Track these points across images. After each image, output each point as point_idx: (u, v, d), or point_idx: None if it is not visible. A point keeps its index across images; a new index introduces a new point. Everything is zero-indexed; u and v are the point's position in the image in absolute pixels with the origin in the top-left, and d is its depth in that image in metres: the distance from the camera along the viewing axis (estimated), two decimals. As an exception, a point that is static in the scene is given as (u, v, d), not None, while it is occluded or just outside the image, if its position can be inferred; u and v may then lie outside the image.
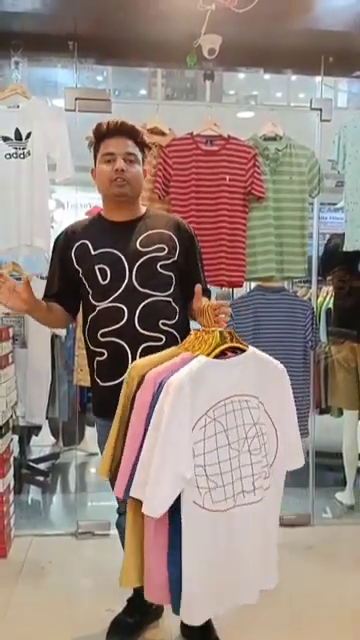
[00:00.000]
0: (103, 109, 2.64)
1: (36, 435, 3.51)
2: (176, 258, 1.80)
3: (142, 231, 1.80)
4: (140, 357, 1.68)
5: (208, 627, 1.85)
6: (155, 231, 1.81)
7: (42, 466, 3.55)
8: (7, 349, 2.53)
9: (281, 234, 2.77)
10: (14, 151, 2.62)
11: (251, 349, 1.56)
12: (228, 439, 1.49)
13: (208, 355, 1.47)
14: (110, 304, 1.74)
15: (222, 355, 1.50)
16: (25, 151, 2.62)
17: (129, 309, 1.73)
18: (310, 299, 3.06)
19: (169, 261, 1.79)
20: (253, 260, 2.74)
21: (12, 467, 2.66)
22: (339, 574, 2.39)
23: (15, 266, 2.85)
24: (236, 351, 1.53)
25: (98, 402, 1.85)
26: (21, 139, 2.62)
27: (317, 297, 3.20)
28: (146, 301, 1.73)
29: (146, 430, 1.44)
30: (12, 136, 2.62)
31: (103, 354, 1.78)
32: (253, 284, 3.02)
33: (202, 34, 2.42)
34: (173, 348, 1.60)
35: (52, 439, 3.72)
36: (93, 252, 1.78)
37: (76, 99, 2.65)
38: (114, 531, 2.60)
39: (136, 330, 1.73)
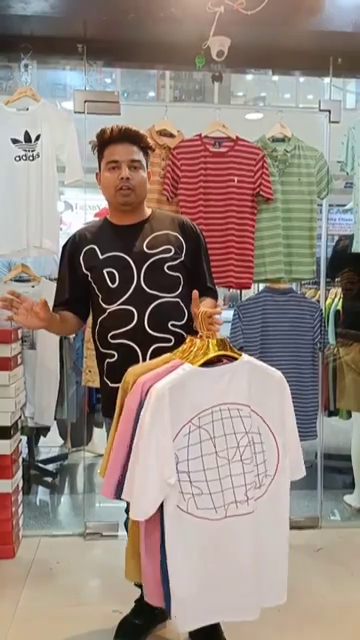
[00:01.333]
0: (112, 111, 2.65)
1: (44, 436, 3.52)
2: (183, 258, 1.82)
3: (148, 233, 1.82)
4: (150, 358, 1.71)
5: (216, 630, 1.84)
6: (161, 232, 1.82)
7: (50, 467, 3.57)
8: (16, 350, 2.54)
9: (289, 235, 2.76)
10: (23, 153, 2.63)
11: (245, 358, 1.55)
12: (215, 447, 1.50)
13: (197, 363, 1.48)
14: (120, 307, 1.76)
15: (216, 362, 1.51)
16: (34, 153, 2.63)
17: (138, 311, 1.75)
18: (318, 301, 3.05)
19: (176, 262, 1.80)
20: (261, 262, 2.74)
21: (21, 468, 2.67)
22: (347, 577, 2.38)
23: (24, 268, 2.86)
24: (230, 359, 1.53)
25: (108, 403, 1.86)
26: (30, 141, 2.63)
27: (325, 299, 3.19)
28: (155, 303, 1.75)
29: (133, 435, 1.46)
30: (21, 138, 2.63)
31: (113, 356, 1.79)
32: (261, 286, 3.02)
33: (211, 36, 2.43)
34: (169, 354, 1.61)
35: (60, 440, 3.73)
36: (101, 256, 1.79)
37: (85, 101, 2.66)
38: (122, 532, 2.63)
39: (146, 332, 1.75)
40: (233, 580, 1.53)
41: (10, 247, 2.67)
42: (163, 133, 2.70)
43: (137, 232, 1.82)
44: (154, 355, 1.70)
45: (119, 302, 1.76)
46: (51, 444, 3.73)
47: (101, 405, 1.97)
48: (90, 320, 1.95)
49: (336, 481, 3.31)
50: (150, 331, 1.75)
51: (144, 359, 1.73)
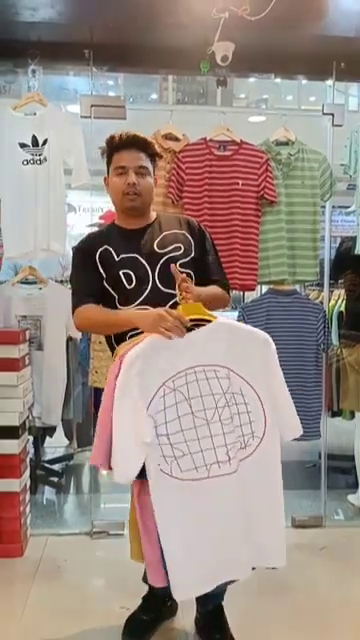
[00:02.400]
0: (118, 116, 2.69)
1: (50, 436, 3.55)
2: (192, 255, 1.86)
3: (157, 234, 1.86)
4: None
5: (223, 627, 1.87)
6: (169, 232, 1.87)
7: (56, 467, 3.60)
8: (24, 351, 2.58)
9: (293, 238, 2.79)
10: (31, 157, 2.67)
11: (220, 320, 1.60)
12: (191, 408, 1.55)
13: None
14: (138, 307, 1.79)
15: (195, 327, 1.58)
16: (42, 157, 2.67)
17: None
18: (322, 302, 3.08)
19: (187, 259, 1.84)
20: (265, 264, 2.77)
21: (28, 467, 2.70)
22: (351, 575, 2.40)
23: (31, 270, 2.90)
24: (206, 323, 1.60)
25: None
26: (38, 145, 2.67)
27: (329, 300, 3.21)
28: (172, 301, 1.77)
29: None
30: (29, 142, 2.67)
31: None
32: (265, 287, 3.05)
33: (215, 41, 2.46)
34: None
35: (65, 441, 3.77)
36: (117, 258, 1.83)
37: (92, 106, 2.69)
38: (128, 531, 2.66)
39: None
40: (222, 540, 1.58)
41: (18, 250, 2.71)
42: (168, 137, 2.74)
43: (146, 234, 1.86)
44: None
45: (137, 302, 1.79)
46: (56, 444, 3.77)
47: None
48: None
49: (339, 481, 3.34)
50: None
51: None
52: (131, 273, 1.80)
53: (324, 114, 2.85)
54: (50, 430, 3.39)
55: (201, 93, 9.12)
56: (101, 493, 3.25)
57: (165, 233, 1.86)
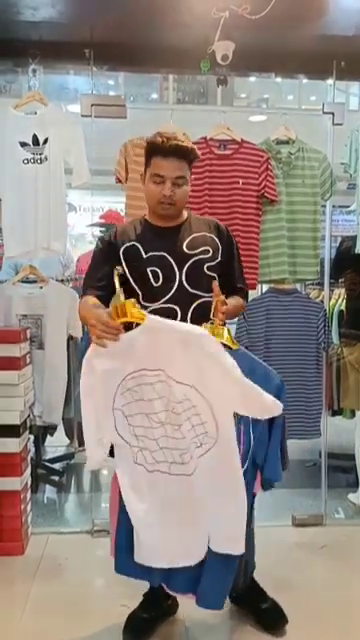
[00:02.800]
0: (119, 115, 2.69)
1: (51, 435, 3.56)
2: (219, 259, 1.87)
3: (187, 235, 1.87)
4: None
5: (264, 593, 1.98)
6: (199, 234, 1.88)
7: (57, 466, 3.60)
8: (25, 350, 2.58)
9: (294, 237, 2.80)
10: (31, 156, 2.67)
11: (150, 318, 1.64)
12: (143, 409, 1.65)
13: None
14: (163, 305, 1.79)
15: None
16: (42, 156, 2.68)
17: (182, 310, 1.79)
18: (322, 301, 3.08)
19: (214, 262, 1.85)
20: (266, 262, 2.78)
21: (29, 466, 2.71)
22: (351, 573, 2.41)
23: (32, 269, 2.90)
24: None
25: None
26: (38, 144, 2.68)
27: (329, 299, 3.22)
28: (197, 302, 1.80)
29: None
30: (30, 142, 2.67)
31: None
32: (265, 286, 3.05)
33: (216, 40, 2.47)
34: None
35: (66, 440, 3.77)
36: (145, 255, 1.83)
37: (92, 105, 2.70)
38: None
39: None
40: (179, 530, 1.69)
41: (19, 249, 2.71)
42: (169, 136, 2.73)
43: (176, 233, 1.87)
44: None
45: (162, 300, 1.79)
46: (57, 444, 3.77)
47: None
48: None
49: (340, 480, 3.34)
50: None
51: None
52: (158, 271, 1.81)
53: (324, 113, 2.85)
54: (51, 429, 3.40)
55: (202, 93, 9.13)
56: (102, 492, 3.24)
57: (195, 235, 1.87)
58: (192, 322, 1.78)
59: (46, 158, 2.68)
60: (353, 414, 3.20)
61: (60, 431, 3.56)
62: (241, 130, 2.78)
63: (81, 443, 3.65)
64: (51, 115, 2.71)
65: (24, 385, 2.51)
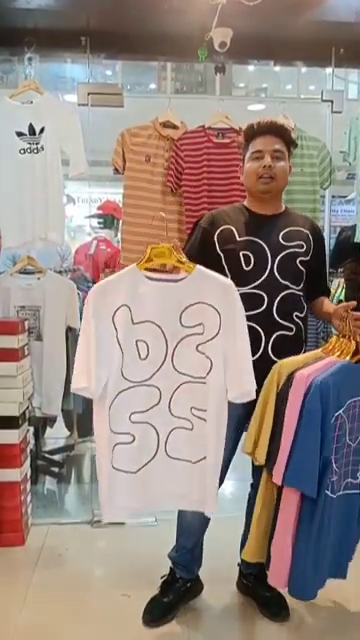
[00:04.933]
0: (116, 103, 2.67)
1: (51, 427, 3.55)
2: (310, 257, 1.89)
3: (283, 226, 1.88)
4: (273, 344, 1.82)
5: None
6: (295, 228, 1.89)
7: (57, 457, 3.60)
8: (23, 342, 2.57)
9: (293, 226, 2.78)
10: (28, 146, 2.65)
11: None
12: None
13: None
14: (251, 290, 1.81)
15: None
16: (39, 146, 2.65)
17: (269, 297, 1.81)
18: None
19: (305, 258, 1.87)
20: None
21: (29, 457, 2.71)
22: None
23: (30, 260, 2.89)
24: None
25: None
26: (35, 134, 2.65)
27: (328, 289, 3.20)
28: (285, 292, 1.82)
29: (299, 422, 1.59)
30: (26, 131, 2.64)
31: None
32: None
33: (213, 27, 2.44)
34: (316, 351, 1.76)
35: (65, 431, 3.77)
36: (239, 238, 1.85)
37: (89, 94, 2.67)
38: (129, 520, 2.68)
39: (273, 318, 1.82)
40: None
41: (16, 240, 2.69)
42: (167, 125, 2.72)
43: (273, 223, 1.88)
44: (277, 341, 1.81)
45: (251, 286, 1.81)
46: (57, 435, 3.77)
47: None
48: None
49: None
50: (277, 318, 1.82)
51: (267, 343, 1.81)
52: (250, 256, 1.82)
53: (323, 101, 2.84)
54: (50, 421, 3.40)
55: (200, 82, 9.07)
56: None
57: (291, 228, 1.89)
58: (277, 311, 1.81)
59: (43, 148, 2.65)
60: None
61: (60, 423, 3.56)
62: (240, 119, 2.76)
63: (81, 434, 3.66)
64: (47, 104, 2.68)
65: (22, 377, 2.51)
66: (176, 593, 2.00)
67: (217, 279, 1.62)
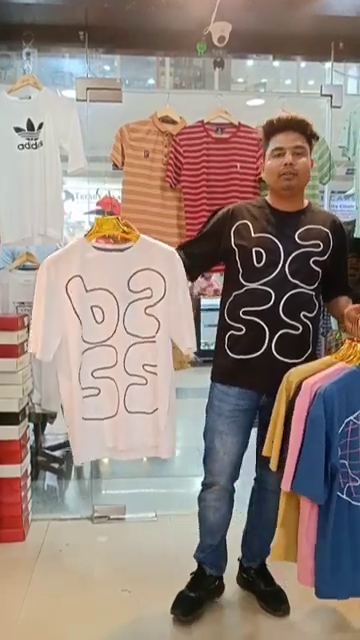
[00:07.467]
0: (114, 99, 2.66)
1: (51, 424, 3.55)
2: (327, 256, 1.86)
3: (302, 224, 1.86)
4: (277, 342, 1.81)
5: (272, 579, 2.04)
6: (314, 226, 1.87)
7: (57, 453, 3.60)
8: (22, 338, 2.57)
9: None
10: (26, 142, 2.64)
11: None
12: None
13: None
14: (259, 286, 1.81)
15: None
16: (37, 141, 2.64)
17: (276, 295, 1.80)
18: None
19: (321, 258, 1.84)
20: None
21: (29, 453, 2.71)
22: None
23: (29, 256, 2.88)
24: None
25: (225, 371, 1.92)
26: (33, 129, 2.64)
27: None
28: (293, 291, 1.81)
29: (304, 431, 1.58)
30: (24, 127, 2.63)
31: (241, 329, 1.86)
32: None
33: (212, 22, 2.43)
34: (328, 357, 1.73)
35: (66, 428, 3.76)
36: (253, 234, 1.84)
37: (87, 89, 2.66)
38: (129, 515, 2.70)
39: (279, 316, 1.81)
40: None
41: (15, 236, 2.68)
42: (165, 120, 2.70)
43: (292, 220, 1.86)
44: (281, 339, 1.81)
45: (260, 282, 1.81)
46: (57, 431, 3.77)
47: (214, 372, 1.98)
48: None
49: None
50: (283, 316, 1.81)
51: (271, 340, 1.81)
52: (263, 253, 1.81)
53: (322, 95, 2.82)
54: (50, 417, 3.39)
55: (199, 77, 9.03)
56: (102, 479, 3.26)
57: (309, 226, 1.86)
58: (284, 310, 1.80)
59: (41, 143, 2.64)
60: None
61: (60, 419, 3.56)
62: (239, 114, 2.75)
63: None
64: (46, 99, 2.67)
65: (22, 373, 2.51)
66: (205, 590, 2.02)
67: (161, 247, 1.77)
